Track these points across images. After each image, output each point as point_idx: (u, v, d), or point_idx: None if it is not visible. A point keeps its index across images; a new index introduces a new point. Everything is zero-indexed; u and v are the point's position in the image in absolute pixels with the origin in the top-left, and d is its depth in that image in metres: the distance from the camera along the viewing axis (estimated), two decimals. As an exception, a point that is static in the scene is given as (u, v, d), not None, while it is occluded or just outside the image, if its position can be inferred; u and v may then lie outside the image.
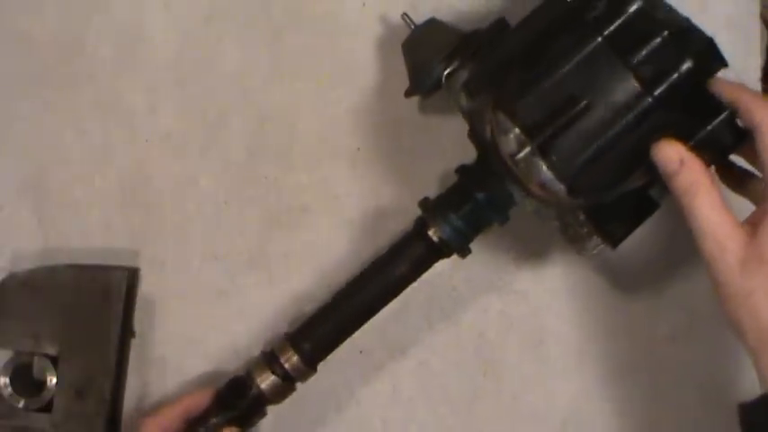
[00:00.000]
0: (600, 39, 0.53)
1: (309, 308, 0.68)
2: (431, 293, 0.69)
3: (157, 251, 0.71)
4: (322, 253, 0.70)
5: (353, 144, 0.70)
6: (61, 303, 0.68)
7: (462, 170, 0.64)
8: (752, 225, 0.51)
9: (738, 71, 0.69)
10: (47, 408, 0.67)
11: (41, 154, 0.72)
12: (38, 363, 0.67)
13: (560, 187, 0.54)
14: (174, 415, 0.65)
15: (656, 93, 0.52)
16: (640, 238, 0.59)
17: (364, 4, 0.71)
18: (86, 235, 0.72)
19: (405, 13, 0.65)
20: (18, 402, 0.67)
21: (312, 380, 0.69)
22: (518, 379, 0.69)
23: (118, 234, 0.72)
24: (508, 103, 0.54)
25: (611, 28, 0.53)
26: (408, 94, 0.64)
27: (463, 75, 0.60)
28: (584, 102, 0.53)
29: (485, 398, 0.70)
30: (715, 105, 0.54)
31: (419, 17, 0.65)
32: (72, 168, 0.72)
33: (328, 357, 0.68)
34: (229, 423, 0.65)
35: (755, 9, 0.69)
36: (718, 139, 0.54)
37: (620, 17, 0.53)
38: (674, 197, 0.53)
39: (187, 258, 0.71)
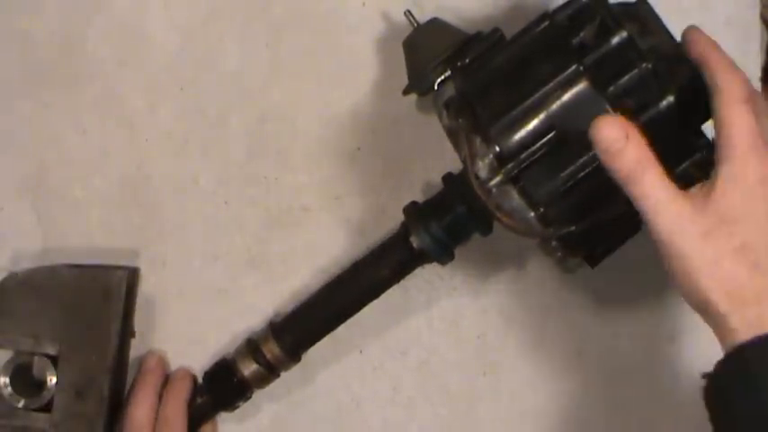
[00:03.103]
0: (580, 68, 0.52)
1: (309, 308, 0.68)
2: (431, 294, 0.69)
3: (157, 251, 0.71)
4: (322, 253, 0.70)
5: (353, 144, 0.70)
6: (61, 303, 0.68)
7: (447, 179, 0.64)
8: (703, 193, 0.49)
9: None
10: (47, 408, 0.67)
11: (41, 154, 0.72)
12: (38, 363, 0.67)
13: (531, 216, 0.54)
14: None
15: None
16: (640, 237, 0.59)
17: (364, 4, 0.71)
18: (86, 235, 0.72)
19: (408, 11, 0.64)
20: (18, 402, 0.67)
21: (312, 380, 0.69)
22: (518, 379, 0.69)
23: (118, 234, 0.71)
24: (484, 129, 0.54)
25: (593, 57, 0.52)
26: (406, 92, 0.64)
27: (450, 88, 0.58)
28: (560, 131, 0.52)
29: (485, 398, 0.70)
30: (693, 142, 0.53)
31: (423, 16, 0.65)
32: (72, 168, 0.72)
33: (328, 357, 0.68)
34: (214, 405, 0.68)
35: (755, 9, 0.69)
36: (691, 177, 0.53)
37: (603, 47, 0.52)
38: (618, 176, 0.49)
39: (187, 258, 0.71)
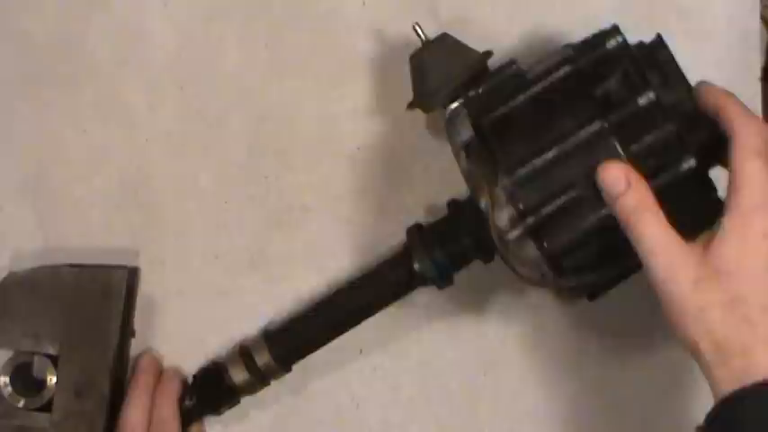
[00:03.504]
0: (605, 125, 0.52)
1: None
2: (431, 294, 0.69)
3: (157, 251, 0.71)
4: (322, 253, 0.70)
5: (353, 144, 0.70)
6: (61, 303, 0.68)
7: (453, 207, 0.63)
8: (704, 241, 0.51)
9: (738, 71, 0.69)
10: (47, 407, 0.67)
11: (41, 154, 0.72)
12: (38, 362, 0.67)
13: (547, 269, 0.54)
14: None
15: (655, 187, 0.52)
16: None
17: (364, 4, 0.71)
18: (86, 235, 0.72)
19: (416, 24, 0.62)
20: (18, 402, 0.67)
21: (312, 380, 0.69)
22: (518, 379, 0.69)
23: (118, 234, 0.71)
24: (505, 180, 0.54)
25: (619, 115, 0.52)
26: (410, 107, 0.63)
27: (465, 118, 0.57)
28: (581, 189, 0.53)
29: (485, 398, 0.70)
30: (711, 207, 0.53)
31: (436, 25, 0.64)
32: (72, 168, 0.72)
33: (327, 357, 0.68)
34: (201, 408, 0.67)
35: (755, 9, 0.69)
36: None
37: (629, 105, 0.52)
38: (620, 219, 0.52)
39: (187, 258, 0.71)
